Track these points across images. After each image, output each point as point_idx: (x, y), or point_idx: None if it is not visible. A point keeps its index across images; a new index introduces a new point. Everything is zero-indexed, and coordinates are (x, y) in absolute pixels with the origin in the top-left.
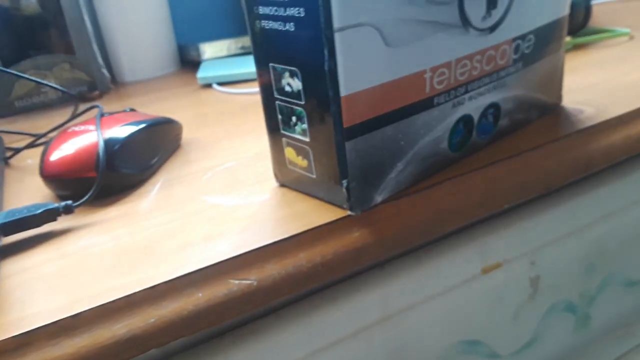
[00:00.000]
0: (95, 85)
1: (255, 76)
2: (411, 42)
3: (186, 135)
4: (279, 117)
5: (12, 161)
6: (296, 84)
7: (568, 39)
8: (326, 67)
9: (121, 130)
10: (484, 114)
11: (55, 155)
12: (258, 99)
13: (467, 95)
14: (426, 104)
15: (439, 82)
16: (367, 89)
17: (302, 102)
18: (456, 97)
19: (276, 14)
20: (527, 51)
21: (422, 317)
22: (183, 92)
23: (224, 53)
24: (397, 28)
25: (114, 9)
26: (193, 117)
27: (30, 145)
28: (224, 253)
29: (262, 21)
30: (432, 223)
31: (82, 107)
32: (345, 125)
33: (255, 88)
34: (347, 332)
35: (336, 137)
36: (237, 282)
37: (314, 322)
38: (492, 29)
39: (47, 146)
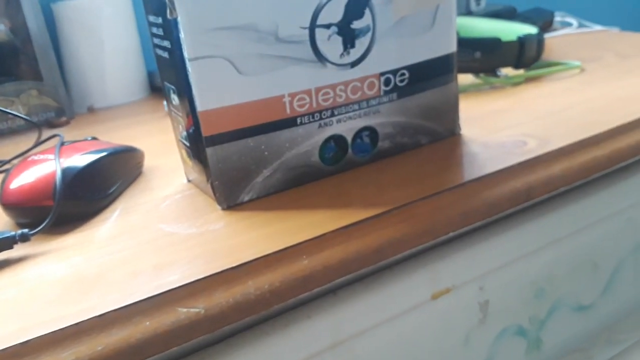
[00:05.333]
0: (63, 111)
1: None
2: (265, 72)
3: (149, 162)
4: (175, 125)
5: None
6: (176, 99)
7: (520, 72)
8: (186, 88)
9: (80, 159)
10: (358, 135)
11: (14, 184)
12: None
13: (334, 118)
14: (288, 123)
15: (300, 106)
16: (223, 106)
17: (180, 114)
18: (322, 119)
19: (160, 43)
20: (401, 84)
21: (373, 342)
22: (151, 118)
23: None
24: (247, 60)
25: (84, 36)
26: (157, 144)
27: None
28: (173, 282)
29: (156, 49)
30: (381, 250)
31: (46, 134)
32: (204, 134)
33: None
34: (298, 358)
35: (201, 144)
36: (184, 310)
37: (264, 349)
38: (354, 64)
39: (7, 174)
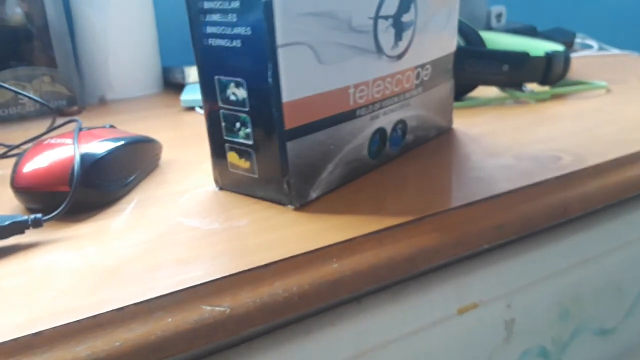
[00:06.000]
0: (75, 100)
1: None
2: (338, 62)
3: (165, 155)
4: (223, 124)
5: None
6: (241, 93)
7: (546, 88)
8: (270, 78)
9: (99, 146)
10: (394, 128)
11: (28, 167)
12: None
13: (381, 111)
14: (350, 115)
15: (360, 97)
16: (303, 97)
17: (247, 109)
18: (373, 111)
19: (223, 32)
20: (425, 78)
21: (396, 355)
22: (165, 113)
23: None
24: (326, 49)
25: (100, 26)
26: (174, 138)
27: (3, 156)
28: (196, 277)
29: (210, 39)
30: (413, 259)
31: (60, 120)
32: (287, 127)
33: None
34: None
35: (280, 138)
36: (209, 308)
37: (286, 355)
38: (399, 57)
39: (20, 157)
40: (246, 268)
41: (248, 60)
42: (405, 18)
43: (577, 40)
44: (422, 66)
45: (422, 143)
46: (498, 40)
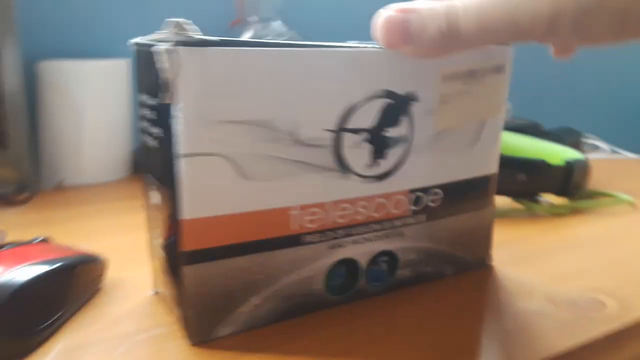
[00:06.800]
0: (25, 186)
1: None
2: (274, 178)
3: (113, 273)
4: (150, 227)
5: None
6: (157, 198)
7: (564, 201)
8: (173, 188)
9: (12, 276)
10: (374, 261)
11: None
12: None
13: (350, 239)
14: (291, 241)
15: (311, 221)
16: (214, 216)
17: (160, 217)
18: (335, 238)
19: (149, 129)
20: (432, 204)
21: None
22: (127, 206)
23: None
24: (255, 163)
25: (65, 103)
26: (128, 245)
27: None
28: None
29: (144, 134)
30: None
31: None
32: (184, 249)
33: None
34: None
35: (175, 260)
36: None
37: None
38: (381, 177)
39: None
40: None
41: (162, 164)
42: (391, 133)
43: (586, 141)
44: (427, 190)
45: (432, 279)
46: (510, 142)
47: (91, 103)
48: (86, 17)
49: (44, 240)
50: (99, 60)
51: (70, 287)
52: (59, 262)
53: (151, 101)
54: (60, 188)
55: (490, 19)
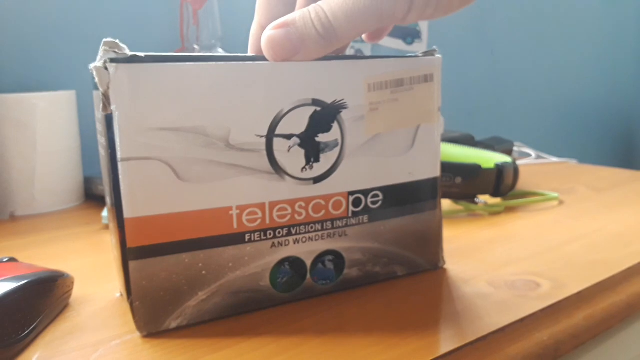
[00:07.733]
0: None
1: None
2: (211, 180)
3: (78, 289)
4: (111, 233)
5: None
6: (109, 203)
7: (498, 200)
8: (117, 191)
9: None
10: (319, 260)
11: None
12: None
13: (291, 238)
14: (233, 239)
15: (250, 221)
16: (156, 215)
17: (113, 221)
18: (275, 237)
19: (100, 140)
20: (373, 206)
21: None
22: (84, 232)
23: None
24: (191, 166)
25: (13, 134)
26: (90, 266)
27: None
28: None
29: (99, 146)
30: None
31: None
32: (128, 245)
33: None
34: None
35: (123, 256)
36: None
37: None
38: (317, 180)
39: None
40: None
41: (108, 170)
42: (324, 138)
43: (515, 148)
44: (366, 192)
45: (385, 280)
46: (446, 150)
47: (41, 134)
48: (36, 51)
49: (12, 260)
50: (47, 93)
51: (41, 300)
52: (30, 277)
53: (98, 114)
54: (13, 218)
55: (357, 13)
